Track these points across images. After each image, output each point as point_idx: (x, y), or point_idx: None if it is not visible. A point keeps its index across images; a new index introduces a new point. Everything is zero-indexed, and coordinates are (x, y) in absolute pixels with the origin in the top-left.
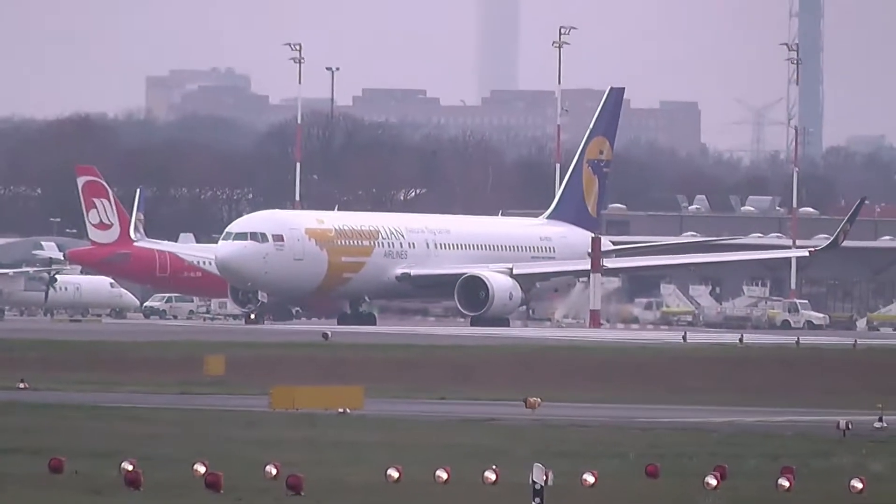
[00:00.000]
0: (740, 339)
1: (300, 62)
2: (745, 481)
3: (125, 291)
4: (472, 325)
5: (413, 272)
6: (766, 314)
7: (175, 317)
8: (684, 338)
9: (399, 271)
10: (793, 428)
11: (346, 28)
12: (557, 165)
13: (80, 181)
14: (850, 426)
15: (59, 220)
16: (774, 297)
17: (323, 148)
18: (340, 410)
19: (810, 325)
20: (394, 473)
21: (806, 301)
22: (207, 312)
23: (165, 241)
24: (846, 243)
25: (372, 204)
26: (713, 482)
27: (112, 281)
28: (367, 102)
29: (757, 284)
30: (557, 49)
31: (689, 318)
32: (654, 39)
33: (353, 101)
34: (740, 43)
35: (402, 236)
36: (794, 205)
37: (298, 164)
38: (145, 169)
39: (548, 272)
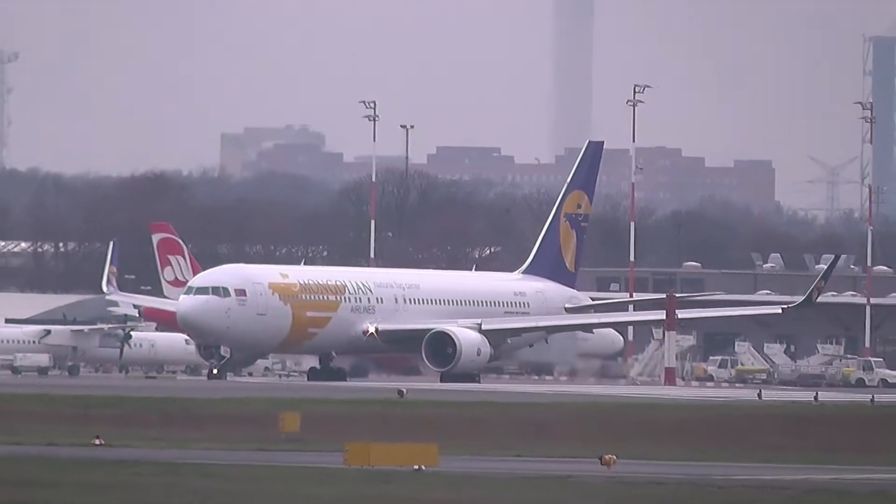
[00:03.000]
0: (815, 397)
1: (375, 120)
2: None
3: None
4: (441, 381)
5: (381, 327)
6: (841, 372)
7: (250, 374)
8: (759, 395)
9: (366, 326)
10: (869, 485)
11: (420, 86)
12: (632, 223)
13: (155, 238)
14: None
15: (133, 277)
16: (849, 356)
17: (397, 206)
18: (416, 467)
19: (885, 384)
20: None
21: (880, 359)
22: (283, 369)
23: (137, 295)
24: None
25: (447, 262)
26: None
27: (187, 338)
28: (442, 160)
29: (831, 342)
30: (632, 107)
31: (764, 376)
32: (728, 98)
33: (428, 158)
34: (814, 102)
35: (370, 291)
36: (869, 263)
37: (373, 222)
38: (219, 226)
39: (518, 328)
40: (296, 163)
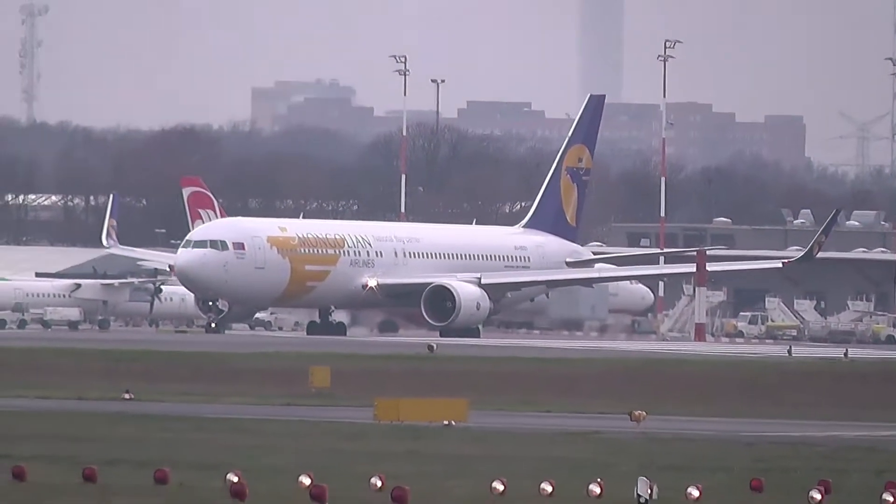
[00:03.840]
0: (845, 354)
1: (405, 74)
2: (850, 496)
3: None
4: (441, 335)
5: (380, 281)
6: (871, 329)
7: (280, 328)
8: (789, 352)
9: (366, 280)
10: None
11: (451, 40)
12: (663, 179)
13: (186, 192)
14: None
15: (164, 230)
16: (879, 312)
17: (428, 160)
18: (445, 423)
19: None
20: (498, 486)
21: None
22: None
23: (139, 249)
24: None
25: (477, 216)
26: (818, 497)
27: None
28: (472, 115)
29: (862, 299)
30: (662, 62)
31: (794, 333)
32: (759, 53)
33: (458, 113)
34: (845, 58)
35: (370, 244)
36: None
37: (403, 176)
38: (250, 180)
39: (518, 282)
40: (326, 117)
